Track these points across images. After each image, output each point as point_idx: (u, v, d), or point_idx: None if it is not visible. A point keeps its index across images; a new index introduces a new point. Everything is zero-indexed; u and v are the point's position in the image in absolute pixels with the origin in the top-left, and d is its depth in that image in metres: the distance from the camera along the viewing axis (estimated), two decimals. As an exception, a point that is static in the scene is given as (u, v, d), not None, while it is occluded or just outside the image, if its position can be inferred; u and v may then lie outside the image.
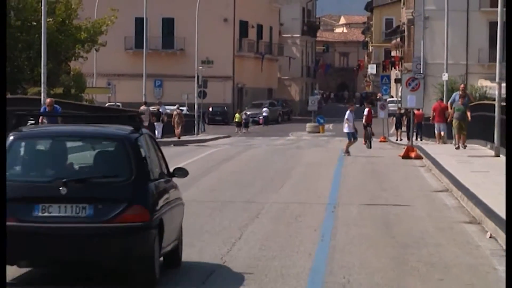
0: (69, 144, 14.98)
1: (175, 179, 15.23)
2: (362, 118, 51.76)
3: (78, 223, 13.69)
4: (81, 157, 15.01)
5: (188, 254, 15.31)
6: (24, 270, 13.84)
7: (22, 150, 15.02)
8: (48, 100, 27.73)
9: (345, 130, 43.80)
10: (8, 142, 14.74)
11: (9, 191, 13.92)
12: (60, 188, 13.75)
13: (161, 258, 14.27)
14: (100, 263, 14.02)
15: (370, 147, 49.56)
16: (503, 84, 39.75)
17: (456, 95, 41.04)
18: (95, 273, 14.36)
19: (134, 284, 13.74)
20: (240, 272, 13.92)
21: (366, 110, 53.21)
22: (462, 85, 45.98)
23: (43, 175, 14.55)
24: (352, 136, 43.33)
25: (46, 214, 13.89)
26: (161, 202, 14.41)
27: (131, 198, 14.04)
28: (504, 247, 16.47)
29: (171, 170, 15.15)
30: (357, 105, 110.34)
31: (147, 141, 15.35)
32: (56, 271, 14.16)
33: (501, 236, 16.99)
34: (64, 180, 13.81)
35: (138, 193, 14.16)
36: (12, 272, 13.49)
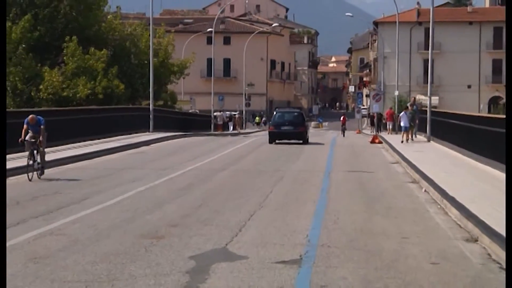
0: (287, 115, 37.75)
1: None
2: (340, 121, 58.14)
3: (290, 131, 36.34)
4: (290, 117, 37.21)
5: (239, 203, 15.33)
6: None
7: (276, 115, 37.64)
8: (30, 116, 19.29)
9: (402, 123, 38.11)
10: (274, 113, 38.25)
11: (275, 124, 36.87)
12: (286, 123, 36.31)
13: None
14: (293, 139, 36.80)
15: (344, 136, 52.71)
16: (433, 97, 39.80)
17: (406, 110, 39.14)
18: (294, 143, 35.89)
19: (302, 144, 35.98)
20: (272, 213, 13.86)
21: (342, 116, 56.79)
22: (413, 98, 45.49)
23: (280, 121, 36.82)
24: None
25: (283, 128, 36.43)
26: (307, 127, 38.43)
27: (301, 125, 36.74)
28: (433, 197, 16.38)
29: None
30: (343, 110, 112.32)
31: (304, 114, 39.74)
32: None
33: (431, 191, 16.90)
34: (287, 121, 36.42)
35: (303, 124, 37.00)
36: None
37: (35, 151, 19.19)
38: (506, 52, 13.38)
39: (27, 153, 19.23)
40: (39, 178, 19.26)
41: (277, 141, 36.80)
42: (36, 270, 8.98)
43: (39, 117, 19.57)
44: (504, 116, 20.42)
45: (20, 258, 9.62)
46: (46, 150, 20.18)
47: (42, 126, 19.31)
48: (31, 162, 19.12)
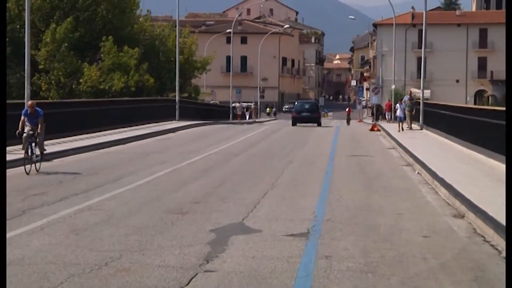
0: (306, 104, 46.93)
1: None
2: (345, 112, 57.78)
3: (308, 116, 43.97)
4: (308, 105, 45.67)
5: (254, 183, 15.30)
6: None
7: (297, 105, 46.71)
8: (29, 102, 16.91)
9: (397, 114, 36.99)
10: (296, 103, 48.41)
11: (297, 111, 45.40)
12: (305, 110, 44.30)
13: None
14: (310, 122, 44.24)
15: (349, 125, 51.60)
16: (425, 90, 39.73)
17: (401, 103, 38.64)
18: (312, 124, 43.90)
19: (317, 125, 43.84)
20: (282, 192, 13.82)
21: (347, 108, 56.69)
22: (410, 91, 44.93)
23: (301, 109, 45.05)
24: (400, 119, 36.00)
25: (303, 114, 44.26)
26: (320, 114, 45.55)
27: (316, 111, 45.04)
28: (425, 178, 16.29)
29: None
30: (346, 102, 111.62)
31: (317, 103, 52.38)
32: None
33: (424, 173, 16.81)
34: (305, 109, 44.55)
35: (317, 111, 45.45)
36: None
37: (32, 144, 16.38)
38: (506, 52, 13.16)
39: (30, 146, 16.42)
40: (37, 171, 16.39)
41: (298, 124, 44.65)
42: (77, 240, 9.05)
43: (37, 108, 16.62)
44: (489, 108, 20.22)
45: (62, 230, 9.69)
46: (81, 136, 19.06)
47: (40, 118, 16.48)
48: (28, 155, 16.31)
